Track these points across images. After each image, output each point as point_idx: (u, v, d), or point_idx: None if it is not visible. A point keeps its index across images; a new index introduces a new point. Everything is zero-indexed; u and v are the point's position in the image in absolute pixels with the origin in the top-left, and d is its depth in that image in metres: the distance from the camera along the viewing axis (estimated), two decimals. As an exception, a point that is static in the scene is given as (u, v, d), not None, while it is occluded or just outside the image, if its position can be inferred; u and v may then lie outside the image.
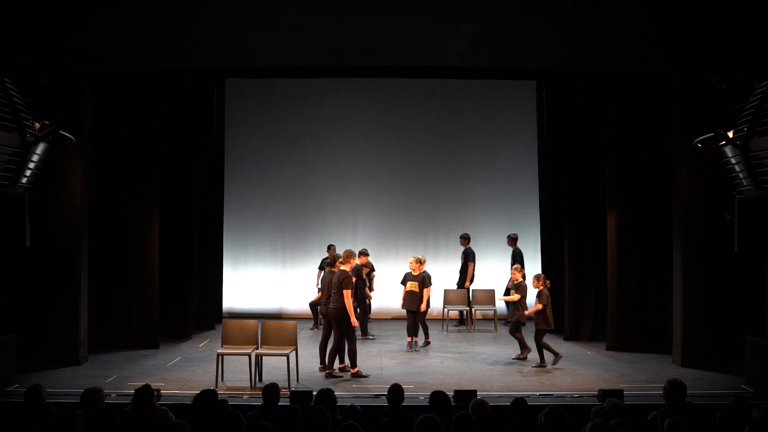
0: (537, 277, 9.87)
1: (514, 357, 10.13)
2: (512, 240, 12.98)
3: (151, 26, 5.89)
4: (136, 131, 10.84)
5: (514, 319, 10.04)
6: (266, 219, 14.13)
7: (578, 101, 11.93)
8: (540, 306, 9.56)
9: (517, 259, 12.71)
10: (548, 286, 9.81)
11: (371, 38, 6.08)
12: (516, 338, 10.10)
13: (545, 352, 9.63)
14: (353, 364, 9.12)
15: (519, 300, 10.00)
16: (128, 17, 5.75)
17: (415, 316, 10.82)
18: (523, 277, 10.24)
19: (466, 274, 12.75)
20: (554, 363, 9.60)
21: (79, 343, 9.68)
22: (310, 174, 14.04)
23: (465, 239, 13.00)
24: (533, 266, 13.71)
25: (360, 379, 8.97)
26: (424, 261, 11.03)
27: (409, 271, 11.01)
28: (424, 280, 10.80)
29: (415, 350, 10.71)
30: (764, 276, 8.82)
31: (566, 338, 11.70)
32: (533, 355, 9.90)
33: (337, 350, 9.17)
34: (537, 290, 9.79)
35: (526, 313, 9.90)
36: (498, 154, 14.08)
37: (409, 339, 10.89)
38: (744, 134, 7.22)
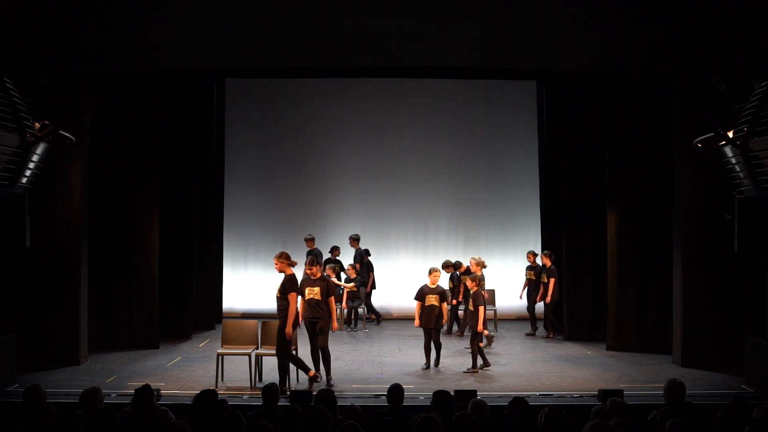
0: (472, 279, 9.69)
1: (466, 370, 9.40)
2: (354, 240, 13.01)
3: (151, 26, 5.89)
4: (136, 131, 10.83)
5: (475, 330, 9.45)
6: (266, 219, 14.13)
7: (578, 101, 11.92)
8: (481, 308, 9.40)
9: (357, 259, 12.78)
10: (483, 286, 9.68)
11: (371, 38, 6.08)
12: (473, 350, 9.45)
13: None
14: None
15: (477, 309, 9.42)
16: (128, 17, 5.76)
17: (431, 333, 9.51)
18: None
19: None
20: (481, 368, 9.40)
21: (79, 343, 9.68)
22: (310, 174, 14.05)
23: (354, 240, 12.98)
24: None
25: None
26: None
27: (425, 284, 9.66)
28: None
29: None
30: (764, 276, 8.82)
31: (566, 338, 11.69)
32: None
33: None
34: (472, 291, 9.60)
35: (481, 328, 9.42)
36: (498, 154, 14.08)
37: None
38: (744, 134, 7.22)
